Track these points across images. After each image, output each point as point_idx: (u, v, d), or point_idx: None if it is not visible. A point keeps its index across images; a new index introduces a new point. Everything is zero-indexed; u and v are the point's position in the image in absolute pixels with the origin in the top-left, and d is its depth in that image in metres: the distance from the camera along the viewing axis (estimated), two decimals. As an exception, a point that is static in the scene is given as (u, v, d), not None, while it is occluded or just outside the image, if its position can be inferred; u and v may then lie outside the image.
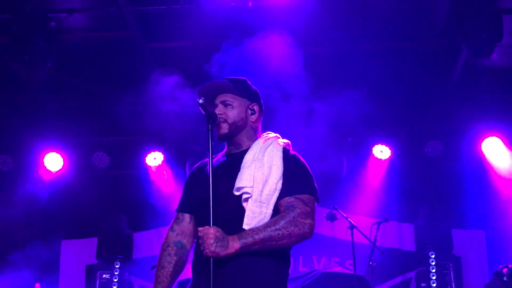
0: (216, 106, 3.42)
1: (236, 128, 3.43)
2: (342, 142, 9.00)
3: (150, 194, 9.04)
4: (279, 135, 3.54)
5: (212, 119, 3.30)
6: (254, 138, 3.49)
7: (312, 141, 8.77)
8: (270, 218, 3.20)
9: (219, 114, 3.37)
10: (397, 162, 9.06)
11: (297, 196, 3.26)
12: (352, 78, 7.69)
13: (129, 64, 7.97)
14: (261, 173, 3.25)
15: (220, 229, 3.05)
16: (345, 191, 8.88)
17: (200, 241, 3.05)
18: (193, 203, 3.41)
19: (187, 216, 3.48)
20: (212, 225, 3.08)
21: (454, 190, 8.89)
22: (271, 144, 3.41)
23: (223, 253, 3.02)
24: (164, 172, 8.92)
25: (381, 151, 9.00)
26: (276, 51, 7.01)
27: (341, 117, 8.46)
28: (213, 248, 3.01)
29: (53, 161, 9.21)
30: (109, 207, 9.41)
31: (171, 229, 3.48)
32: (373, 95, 8.21)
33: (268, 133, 3.54)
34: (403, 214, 9.20)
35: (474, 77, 8.09)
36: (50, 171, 9.22)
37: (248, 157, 3.34)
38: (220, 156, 3.54)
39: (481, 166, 8.83)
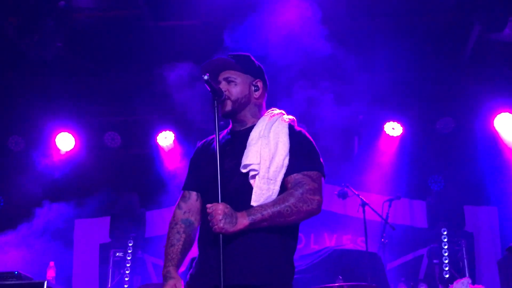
0: (219, 83, 3.41)
1: (240, 105, 3.42)
2: (353, 120, 8.96)
3: (161, 173, 9.08)
4: (284, 112, 3.53)
5: (217, 95, 3.28)
6: (258, 115, 3.48)
7: (323, 119, 8.76)
8: (278, 195, 3.20)
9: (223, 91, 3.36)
10: (409, 139, 9.02)
11: (305, 172, 3.25)
12: (363, 55, 7.63)
13: (138, 43, 7.96)
14: (267, 149, 3.24)
15: (228, 206, 3.06)
16: (356, 169, 8.87)
17: (209, 218, 3.05)
18: (200, 180, 3.41)
19: (193, 194, 3.47)
20: (220, 202, 3.09)
21: (466, 166, 8.85)
22: (276, 120, 3.40)
23: (231, 229, 3.04)
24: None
25: (393, 128, 8.96)
26: (286, 25, 6.97)
27: (352, 94, 8.43)
28: (221, 224, 3.02)
29: (65, 141, 9.24)
30: (121, 186, 9.47)
31: (178, 207, 3.47)
32: (384, 71, 8.17)
33: (272, 110, 3.52)
34: (415, 191, 9.18)
35: (486, 52, 8.00)
36: (62, 151, 9.26)
37: (254, 134, 3.33)
38: (225, 134, 3.52)
39: (494, 142, 8.77)
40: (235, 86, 3.41)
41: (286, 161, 3.26)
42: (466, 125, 8.90)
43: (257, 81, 3.49)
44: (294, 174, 3.24)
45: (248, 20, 6.58)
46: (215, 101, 3.28)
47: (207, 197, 3.34)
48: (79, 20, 7.54)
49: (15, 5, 6.98)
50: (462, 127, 8.94)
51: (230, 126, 3.55)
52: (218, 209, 3.04)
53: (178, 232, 3.40)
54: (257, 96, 3.48)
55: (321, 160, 3.38)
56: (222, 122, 3.38)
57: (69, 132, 9.24)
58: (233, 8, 7.10)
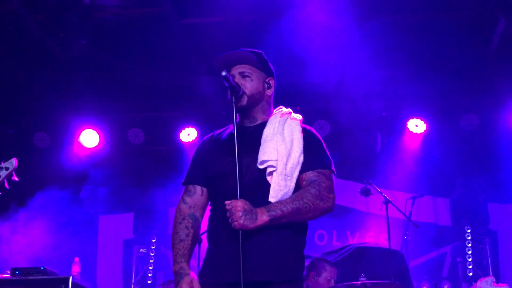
0: (233, 76, 3.38)
1: (254, 100, 3.42)
2: (377, 117, 8.92)
3: (184, 170, 9.11)
4: (291, 110, 3.54)
5: (235, 91, 3.28)
6: (268, 112, 3.50)
7: (346, 116, 8.74)
8: (293, 192, 3.23)
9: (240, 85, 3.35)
10: (432, 136, 8.95)
11: (319, 170, 3.29)
12: (387, 51, 7.59)
13: (161, 41, 8.00)
14: (284, 146, 3.26)
15: (247, 202, 3.07)
16: (379, 166, 8.82)
17: (228, 214, 3.05)
18: (209, 176, 3.38)
19: (199, 189, 3.43)
20: (235, 198, 3.09)
21: (491, 164, 8.76)
22: (288, 118, 3.43)
23: (251, 225, 3.05)
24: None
25: (416, 125, 8.90)
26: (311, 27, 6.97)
27: (376, 91, 8.39)
28: (241, 221, 3.02)
29: (89, 138, 9.32)
30: (144, 183, 9.52)
31: (183, 201, 3.42)
32: (408, 68, 8.11)
33: (280, 108, 3.54)
34: (438, 188, 9.12)
35: (511, 48, 7.92)
36: (86, 148, 9.34)
37: (268, 131, 3.34)
38: (231, 129, 3.47)
39: (519, 139, 8.68)
40: (251, 81, 3.41)
41: (301, 159, 3.29)
42: (490, 122, 8.81)
43: (270, 79, 3.51)
44: (309, 172, 3.28)
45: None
46: (233, 97, 3.29)
47: (217, 192, 3.34)
48: (104, 18, 7.61)
49: (40, 3, 7.05)
50: (487, 124, 8.85)
51: (237, 121, 3.52)
52: (238, 205, 3.04)
53: (186, 227, 3.35)
54: (269, 94, 3.50)
55: (330, 158, 3.41)
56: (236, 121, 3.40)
57: (93, 129, 9.31)
58: (257, 5, 7.11)
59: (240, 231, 3.06)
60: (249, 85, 3.40)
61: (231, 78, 3.25)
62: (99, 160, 9.38)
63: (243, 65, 3.44)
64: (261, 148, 3.27)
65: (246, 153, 3.26)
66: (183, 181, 3.54)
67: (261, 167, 3.24)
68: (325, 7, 6.99)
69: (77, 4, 6.85)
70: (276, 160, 3.22)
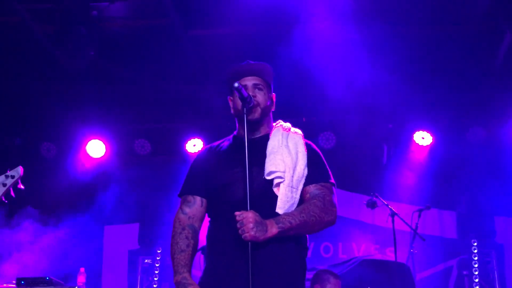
0: (245, 87, 3.37)
1: (264, 114, 3.45)
2: (383, 129, 8.92)
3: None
4: (290, 124, 3.57)
5: (247, 103, 3.28)
6: (269, 125, 3.52)
7: (352, 128, 8.74)
8: (297, 204, 3.27)
9: (253, 97, 3.36)
10: (438, 149, 8.93)
11: (323, 184, 3.35)
12: (394, 63, 7.60)
13: (168, 52, 8.03)
14: (290, 159, 3.29)
15: (257, 214, 3.07)
16: (385, 178, 8.81)
17: (238, 225, 3.05)
18: (213, 186, 3.37)
19: (199, 199, 3.42)
20: (243, 209, 3.09)
21: (497, 176, 8.73)
22: (290, 132, 3.47)
23: (262, 237, 3.05)
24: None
25: (423, 138, 8.88)
26: (317, 40, 6.99)
27: (382, 103, 8.39)
28: (253, 233, 3.02)
29: (96, 148, 9.34)
30: (150, 193, 9.53)
31: (182, 211, 3.40)
32: (414, 80, 8.12)
33: (279, 122, 3.56)
34: (444, 201, 9.09)
35: (518, 61, 7.92)
36: (92, 158, 9.36)
37: (273, 143, 3.36)
38: (231, 141, 3.52)
39: (525, 153, 8.65)
40: (264, 94, 3.44)
41: (306, 171, 3.33)
42: (497, 135, 8.79)
43: (273, 95, 3.55)
44: (313, 185, 3.32)
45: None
46: (244, 108, 3.29)
47: (222, 203, 3.32)
48: (111, 29, 7.65)
49: (48, 14, 7.10)
50: (493, 136, 8.83)
51: (235, 133, 3.56)
52: (249, 217, 3.04)
53: (186, 237, 3.32)
54: (272, 109, 3.54)
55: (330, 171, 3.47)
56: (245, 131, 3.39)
57: (99, 139, 9.33)
58: (264, 17, 7.14)
59: (249, 243, 3.05)
60: (262, 98, 3.42)
61: (243, 89, 3.25)
62: (105, 170, 9.40)
63: (256, 78, 3.46)
64: (268, 160, 3.29)
65: (252, 164, 3.25)
66: (180, 191, 3.51)
67: (268, 178, 3.26)
68: (333, 20, 7.01)
69: (85, 15, 6.89)
70: (284, 172, 3.25)
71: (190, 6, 7.27)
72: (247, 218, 3.04)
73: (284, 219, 3.13)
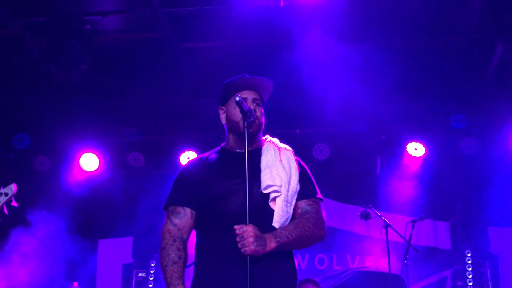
0: (245, 100, 3.38)
1: (260, 128, 3.48)
2: (376, 140, 8.95)
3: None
4: (278, 139, 3.60)
5: (248, 117, 3.29)
6: (260, 139, 3.53)
7: (346, 139, 8.76)
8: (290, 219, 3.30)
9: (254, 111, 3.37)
10: (431, 160, 8.96)
11: (313, 199, 3.39)
12: (386, 75, 7.64)
13: (162, 65, 8.05)
14: (284, 173, 3.33)
15: (256, 228, 3.08)
16: (379, 189, 8.83)
17: (238, 239, 3.05)
18: (206, 198, 3.33)
19: (189, 211, 3.36)
20: (239, 223, 3.10)
21: (490, 187, 8.76)
22: (281, 147, 3.50)
23: (262, 251, 3.07)
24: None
25: (416, 149, 8.91)
26: (310, 53, 7.02)
27: (375, 114, 8.43)
28: (253, 247, 3.03)
29: (89, 161, 9.32)
30: (144, 206, 9.50)
31: (171, 223, 3.34)
32: (407, 91, 8.16)
33: (268, 136, 3.59)
34: (438, 212, 9.11)
35: (509, 72, 7.97)
36: (86, 171, 9.34)
37: (267, 158, 3.39)
38: (219, 154, 3.50)
39: (518, 162, 8.69)
40: (261, 110, 3.47)
41: (298, 187, 3.37)
42: (489, 146, 8.83)
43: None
44: (305, 200, 3.36)
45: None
46: (245, 122, 3.29)
47: (216, 215, 3.29)
48: (104, 43, 7.66)
49: (42, 28, 7.11)
50: (485, 147, 8.86)
51: (223, 145, 3.55)
52: (249, 231, 3.05)
53: (178, 249, 3.27)
54: (264, 124, 3.54)
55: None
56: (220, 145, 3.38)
57: (93, 153, 9.32)
58: (257, 30, 7.17)
59: (248, 257, 3.05)
60: (259, 113, 3.44)
61: (244, 103, 3.26)
62: (99, 184, 9.38)
63: (255, 92, 3.48)
64: (264, 173, 3.31)
65: (244, 178, 3.24)
66: (167, 202, 3.43)
67: (265, 191, 3.27)
68: (325, 33, 7.05)
69: (78, 29, 6.90)
70: (280, 186, 3.27)
71: (183, 19, 7.30)
72: (247, 232, 3.04)
73: (281, 234, 3.16)
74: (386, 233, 7.29)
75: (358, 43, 7.55)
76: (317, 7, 6.81)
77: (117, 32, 7.66)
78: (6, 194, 3.80)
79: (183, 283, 3.22)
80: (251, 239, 3.03)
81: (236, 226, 3.07)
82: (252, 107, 3.37)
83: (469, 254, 8.47)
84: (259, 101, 3.46)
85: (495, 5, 6.60)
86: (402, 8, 7.02)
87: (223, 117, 3.53)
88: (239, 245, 3.04)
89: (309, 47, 7.20)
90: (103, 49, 7.69)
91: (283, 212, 3.25)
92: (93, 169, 9.34)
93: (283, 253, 3.25)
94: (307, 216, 3.28)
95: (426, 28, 7.44)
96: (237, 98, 3.21)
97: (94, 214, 9.32)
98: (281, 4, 6.77)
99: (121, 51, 7.90)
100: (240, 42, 7.52)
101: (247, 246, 3.02)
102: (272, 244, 3.10)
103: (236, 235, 3.06)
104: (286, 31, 7.07)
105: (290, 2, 6.83)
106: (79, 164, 9.28)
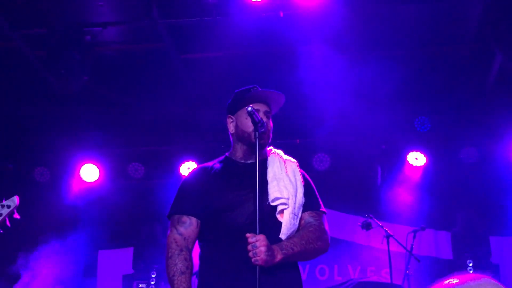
0: (258, 111, 3.37)
1: (268, 141, 3.49)
2: (376, 150, 8.94)
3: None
4: (282, 151, 3.62)
5: (260, 127, 3.29)
6: (265, 150, 3.53)
7: (346, 149, 8.76)
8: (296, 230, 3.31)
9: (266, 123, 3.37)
10: (432, 169, 8.95)
11: (317, 212, 3.42)
12: (386, 85, 7.64)
13: (162, 75, 8.06)
14: (291, 186, 3.34)
15: (266, 238, 3.08)
16: (380, 200, 8.81)
17: (250, 247, 3.04)
18: (210, 209, 3.33)
19: (194, 220, 3.35)
20: (251, 233, 3.09)
21: (491, 196, 8.74)
22: (286, 159, 3.52)
23: (270, 262, 3.07)
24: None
25: (416, 158, 8.90)
26: (310, 63, 7.03)
27: (376, 124, 8.42)
28: (265, 257, 3.03)
29: (89, 172, 9.31)
30: (144, 217, 9.49)
31: (177, 232, 3.33)
32: (407, 101, 8.16)
33: (272, 148, 3.60)
34: (439, 222, 9.08)
35: (509, 81, 7.97)
36: (86, 182, 9.33)
37: (274, 170, 3.40)
38: (223, 164, 3.50)
39: (519, 172, 8.68)
40: (271, 123, 3.49)
41: (303, 199, 3.39)
42: (489, 155, 8.82)
43: None
44: (308, 212, 3.38)
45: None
46: (256, 132, 3.29)
47: (224, 226, 3.29)
48: (105, 54, 7.68)
49: (42, 39, 7.12)
50: (486, 156, 8.85)
51: (227, 154, 3.55)
52: (262, 240, 3.04)
53: (185, 259, 3.26)
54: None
55: None
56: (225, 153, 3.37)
57: (93, 163, 9.31)
58: (257, 40, 7.18)
59: (258, 267, 3.04)
60: (269, 126, 3.45)
61: (256, 113, 3.27)
62: (99, 194, 9.37)
63: (267, 105, 3.48)
64: (271, 186, 3.32)
65: (253, 189, 3.26)
66: (171, 211, 3.42)
67: (273, 204, 3.28)
68: (325, 43, 7.06)
69: (78, 40, 6.92)
70: (288, 198, 3.28)
71: (183, 30, 7.31)
72: (260, 241, 3.04)
73: (287, 246, 3.17)
74: (388, 243, 7.26)
75: (358, 53, 7.57)
76: (317, 17, 6.82)
77: (117, 43, 7.68)
78: (8, 206, 3.79)
79: None
80: (263, 248, 3.03)
81: (248, 235, 3.07)
82: (264, 120, 3.37)
83: (470, 264, 8.44)
84: (269, 114, 3.48)
85: (493, 14, 6.62)
86: (402, 19, 7.03)
87: (231, 126, 3.52)
88: (250, 253, 3.04)
89: (309, 57, 7.21)
90: (103, 60, 7.71)
91: (291, 224, 3.27)
92: (93, 180, 9.33)
93: (291, 264, 3.28)
94: (311, 229, 3.30)
95: (425, 38, 7.45)
96: (249, 109, 3.22)
97: (94, 225, 9.29)
98: (281, 14, 6.78)
99: (121, 62, 7.92)
100: (240, 53, 7.54)
101: (259, 256, 3.02)
102: (278, 256, 3.11)
103: (246, 244, 3.06)
104: (286, 41, 7.08)
105: (290, 13, 6.84)
106: (79, 175, 9.28)
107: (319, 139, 8.92)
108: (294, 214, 3.29)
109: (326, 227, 3.40)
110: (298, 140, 8.87)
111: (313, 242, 3.25)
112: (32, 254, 8.62)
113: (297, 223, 3.32)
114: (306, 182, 3.47)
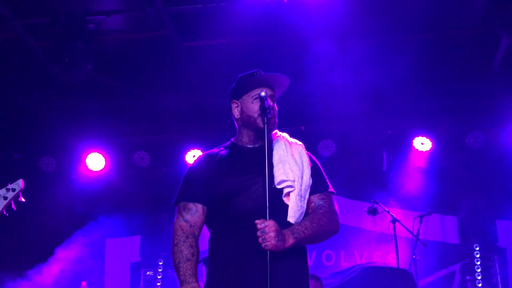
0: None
1: (275, 125, 3.46)
2: (382, 135, 8.92)
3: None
4: (287, 134, 3.59)
5: (268, 113, 3.28)
6: (271, 135, 3.49)
7: (352, 135, 8.75)
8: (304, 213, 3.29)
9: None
10: (438, 154, 8.92)
11: (326, 193, 3.39)
12: (391, 71, 7.61)
13: (166, 64, 8.05)
14: (297, 168, 3.32)
15: (276, 223, 3.06)
16: (386, 185, 8.80)
17: (259, 233, 3.03)
18: (216, 195, 3.33)
19: (200, 207, 3.36)
20: (254, 219, 3.08)
21: (497, 180, 8.73)
22: (292, 142, 3.49)
23: (281, 247, 3.06)
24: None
25: (422, 143, 8.87)
26: (315, 48, 7.00)
27: (381, 109, 8.41)
28: (274, 242, 3.02)
29: (95, 161, 9.31)
30: (151, 206, 9.52)
31: (183, 219, 3.33)
32: (413, 86, 8.13)
33: (277, 132, 3.56)
34: (445, 206, 9.08)
35: (515, 65, 7.94)
36: (92, 171, 9.35)
37: (279, 153, 3.37)
38: (228, 150, 3.49)
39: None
40: (275, 106, 3.45)
41: (310, 181, 3.36)
42: (495, 139, 8.79)
43: None
44: (317, 194, 3.36)
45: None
46: (265, 118, 3.28)
47: (231, 212, 3.28)
48: (108, 43, 7.67)
49: (45, 28, 7.12)
50: (492, 141, 8.82)
51: (233, 140, 3.53)
52: (271, 226, 3.03)
53: (191, 246, 3.27)
54: None
55: None
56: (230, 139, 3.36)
57: (99, 152, 9.32)
58: (261, 26, 7.16)
59: (268, 252, 3.03)
60: (276, 110, 3.43)
61: (268, 99, 3.26)
62: (105, 183, 9.39)
63: (271, 89, 3.45)
64: (276, 169, 3.29)
65: (258, 173, 3.25)
66: (177, 198, 3.42)
67: (279, 187, 3.26)
68: (329, 28, 7.04)
69: (82, 29, 6.90)
70: (293, 181, 3.27)
71: (186, 18, 7.29)
72: (269, 227, 3.03)
73: (298, 230, 3.15)
74: (394, 228, 7.26)
75: (362, 39, 7.54)
76: (321, 2, 6.78)
77: (121, 31, 7.66)
78: (13, 190, 3.82)
79: (197, 281, 3.21)
80: (273, 234, 3.02)
81: (257, 221, 3.06)
82: (271, 104, 3.35)
83: (477, 248, 8.44)
84: (274, 98, 3.45)
85: (499, -2, 6.57)
86: (407, 4, 6.99)
87: (236, 111, 3.49)
88: (259, 239, 3.03)
89: (313, 43, 7.18)
90: (107, 48, 7.70)
91: (298, 206, 3.24)
92: (99, 169, 9.34)
93: (299, 249, 3.25)
94: (321, 211, 3.27)
95: (430, 23, 7.42)
96: (263, 94, 3.20)
97: (101, 214, 9.33)
98: (285, 0, 6.75)
99: (124, 51, 7.91)
100: (243, 40, 7.52)
101: (269, 241, 3.01)
102: (290, 240, 3.10)
103: (256, 230, 3.05)
104: (290, 27, 7.05)
105: (294, -1, 6.82)
106: (85, 164, 9.29)
107: (325, 125, 8.90)
108: (300, 196, 3.26)
109: (336, 207, 3.38)
110: (303, 127, 8.86)
111: (324, 224, 3.23)
112: (40, 243, 8.67)
113: (305, 205, 3.30)
114: (313, 164, 3.44)
